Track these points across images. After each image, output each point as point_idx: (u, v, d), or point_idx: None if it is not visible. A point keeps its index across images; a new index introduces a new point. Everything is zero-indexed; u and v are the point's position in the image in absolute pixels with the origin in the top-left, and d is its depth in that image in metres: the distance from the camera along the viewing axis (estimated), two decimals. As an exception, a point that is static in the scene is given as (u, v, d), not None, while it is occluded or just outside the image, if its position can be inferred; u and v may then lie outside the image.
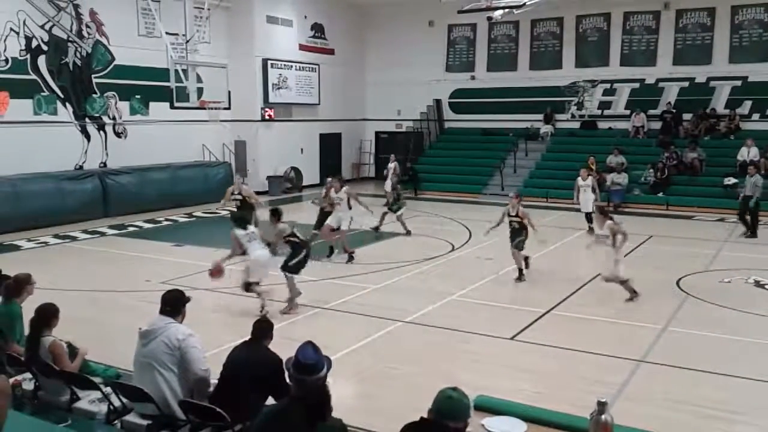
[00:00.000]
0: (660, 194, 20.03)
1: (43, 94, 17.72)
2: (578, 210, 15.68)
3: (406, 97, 26.55)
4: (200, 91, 18.03)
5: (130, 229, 16.48)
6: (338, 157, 26.95)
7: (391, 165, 17.26)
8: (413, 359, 7.68)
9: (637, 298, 9.79)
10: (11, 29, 16.86)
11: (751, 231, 15.21)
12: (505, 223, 11.31)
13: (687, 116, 22.55)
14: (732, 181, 19.28)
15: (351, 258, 12.55)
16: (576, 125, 24.48)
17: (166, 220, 17.91)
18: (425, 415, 3.23)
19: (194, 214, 18.26)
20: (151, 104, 20.42)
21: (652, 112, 23.00)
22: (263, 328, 5.18)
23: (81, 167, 18.56)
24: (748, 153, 19.85)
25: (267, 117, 23.23)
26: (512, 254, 11.13)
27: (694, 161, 20.44)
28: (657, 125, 22.77)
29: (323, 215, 13.26)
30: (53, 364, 5.39)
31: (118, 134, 19.74)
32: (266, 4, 23.05)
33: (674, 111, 22.54)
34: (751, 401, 6.48)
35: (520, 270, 11.15)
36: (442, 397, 3.17)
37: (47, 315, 5.56)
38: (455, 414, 3.13)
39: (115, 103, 19.61)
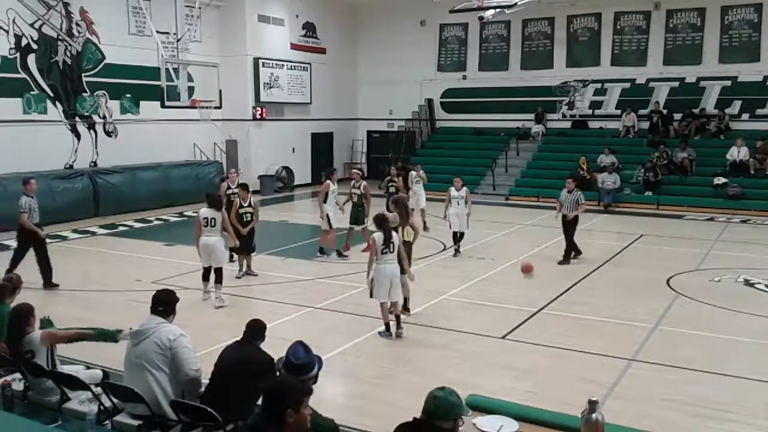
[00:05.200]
0: (650, 194, 20.13)
1: (32, 92, 17.61)
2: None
3: (397, 96, 26.56)
4: (191, 90, 17.96)
5: (121, 228, 16.41)
6: (330, 157, 26.91)
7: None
8: (405, 359, 7.68)
9: None
10: (0, 27, 16.75)
11: (575, 253, 12.66)
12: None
13: (678, 116, 22.67)
14: (722, 180, 19.42)
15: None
16: (567, 125, 24.57)
17: (157, 219, 17.84)
18: (417, 415, 3.25)
19: (185, 213, 18.17)
20: (142, 103, 20.33)
21: (642, 111, 23.11)
22: (256, 328, 5.16)
23: (71, 166, 18.46)
24: (738, 153, 20.00)
25: (258, 116, 23.18)
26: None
27: (684, 161, 20.56)
28: (648, 125, 22.88)
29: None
30: (53, 348, 5.47)
31: (108, 133, 19.65)
32: (257, 3, 22.99)
33: (661, 111, 22.67)
34: (742, 400, 6.51)
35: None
36: (429, 398, 3.23)
37: (24, 315, 5.53)
38: (442, 413, 3.18)
39: (106, 102, 19.51)
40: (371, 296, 8.38)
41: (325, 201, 12.81)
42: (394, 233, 8.43)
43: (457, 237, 13.16)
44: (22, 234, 10.47)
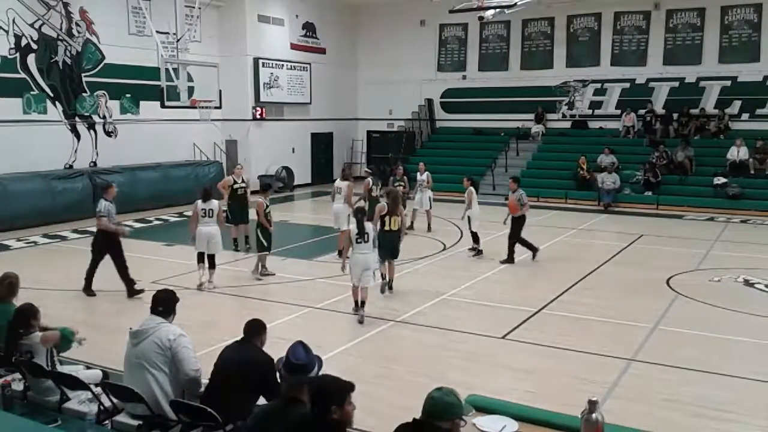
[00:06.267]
0: (650, 194, 20.13)
1: (32, 92, 17.60)
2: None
3: (397, 96, 26.57)
4: (191, 90, 17.93)
5: (121, 228, 16.36)
6: (330, 157, 26.93)
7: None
8: (405, 359, 7.68)
9: None
10: (0, 27, 16.75)
11: (533, 252, 12.53)
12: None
13: (675, 116, 22.69)
14: (722, 180, 19.43)
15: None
16: (567, 125, 24.57)
17: (157, 219, 17.84)
18: (417, 415, 3.25)
19: (185, 213, 18.10)
20: (142, 103, 20.33)
21: (642, 112, 23.12)
22: (255, 328, 5.15)
23: (71, 166, 18.45)
24: (738, 153, 20.01)
25: (258, 116, 23.19)
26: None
27: (684, 161, 20.55)
28: (647, 126, 22.88)
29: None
30: (53, 349, 5.48)
31: (108, 133, 19.65)
32: (257, 3, 22.99)
33: (654, 110, 22.71)
34: (742, 400, 6.51)
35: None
36: (427, 398, 3.25)
37: (26, 315, 5.52)
38: (439, 413, 3.19)
39: (106, 102, 19.51)
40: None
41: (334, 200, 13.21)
42: (368, 224, 9.12)
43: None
44: (98, 241, 10.13)
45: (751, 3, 21.50)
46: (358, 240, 8.93)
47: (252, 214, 14.26)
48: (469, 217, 13.01)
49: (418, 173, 16.29)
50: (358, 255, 8.92)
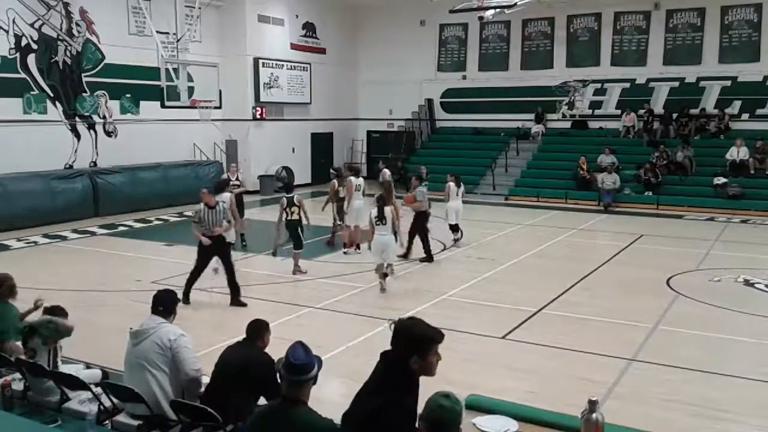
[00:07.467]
0: (650, 194, 20.13)
1: (32, 93, 17.60)
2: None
3: (397, 96, 26.56)
4: (191, 90, 17.96)
5: (121, 228, 16.41)
6: (330, 157, 26.93)
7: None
8: (405, 359, 7.67)
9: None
10: (0, 27, 16.75)
11: (407, 252, 12.55)
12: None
13: (674, 116, 22.70)
14: (722, 180, 19.42)
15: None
16: (567, 125, 24.57)
17: (157, 219, 17.83)
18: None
19: (185, 213, 18.12)
20: (142, 103, 20.33)
21: (641, 112, 23.11)
22: (256, 328, 5.15)
23: (71, 166, 18.45)
24: (738, 153, 20.00)
25: (258, 116, 23.19)
26: None
27: (684, 161, 20.55)
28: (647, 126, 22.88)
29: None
30: (57, 350, 5.52)
31: (108, 133, 19.65)
32: (257, 3, 22.98)
33: (651, 110, 22.70)
34: (742, 400, 6.52)
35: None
36: (435, 406, 3.03)
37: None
38: (449, 425, 3.02)
39: (106, 102, 19.51)
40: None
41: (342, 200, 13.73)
42: (387, 209, 10.23)
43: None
44: (200, 244, 9.74)
45: (751, 3, 21.50)
46: (377, 222, 10.18)
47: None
48: (446, 211, 13.93)
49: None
50: (377, 236, 10.20)
